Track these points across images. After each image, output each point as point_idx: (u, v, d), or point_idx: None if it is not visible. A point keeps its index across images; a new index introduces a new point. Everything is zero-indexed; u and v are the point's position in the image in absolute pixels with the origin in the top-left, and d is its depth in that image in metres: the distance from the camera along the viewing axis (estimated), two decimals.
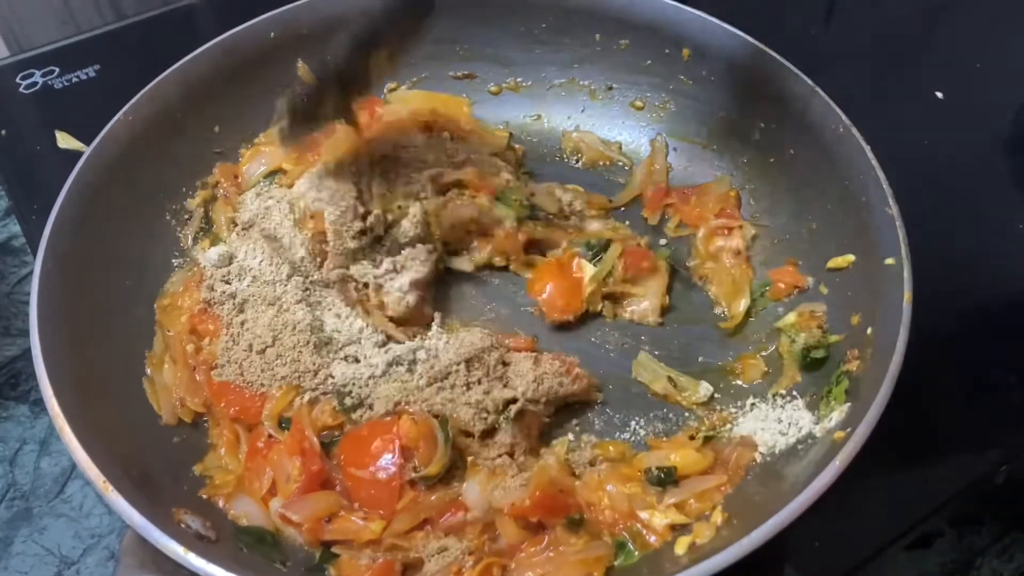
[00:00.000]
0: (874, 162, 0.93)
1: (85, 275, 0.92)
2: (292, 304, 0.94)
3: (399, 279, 0.97)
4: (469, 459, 0.85)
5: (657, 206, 1.10)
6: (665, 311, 1.02)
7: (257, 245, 1.00)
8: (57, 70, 1.27)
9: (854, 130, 0.96)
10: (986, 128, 1.28)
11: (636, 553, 0.81)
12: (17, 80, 1.26)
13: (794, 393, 0.92)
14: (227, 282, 0.98)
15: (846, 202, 0.96)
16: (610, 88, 1.19)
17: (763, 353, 0.97)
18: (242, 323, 0.94)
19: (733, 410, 0.93)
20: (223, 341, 0.93)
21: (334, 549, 0.82)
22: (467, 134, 1.10)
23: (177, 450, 0.89)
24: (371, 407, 0.88)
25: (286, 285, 0.96)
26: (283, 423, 0.89)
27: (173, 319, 0.97)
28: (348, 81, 0.95)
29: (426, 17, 0.96)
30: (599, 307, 1.01)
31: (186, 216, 1.06)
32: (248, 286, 0.96)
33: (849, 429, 0.76)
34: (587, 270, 1.01)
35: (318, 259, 1.00)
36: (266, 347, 0.92)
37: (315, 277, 0.99)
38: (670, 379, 0.95)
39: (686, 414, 0.94)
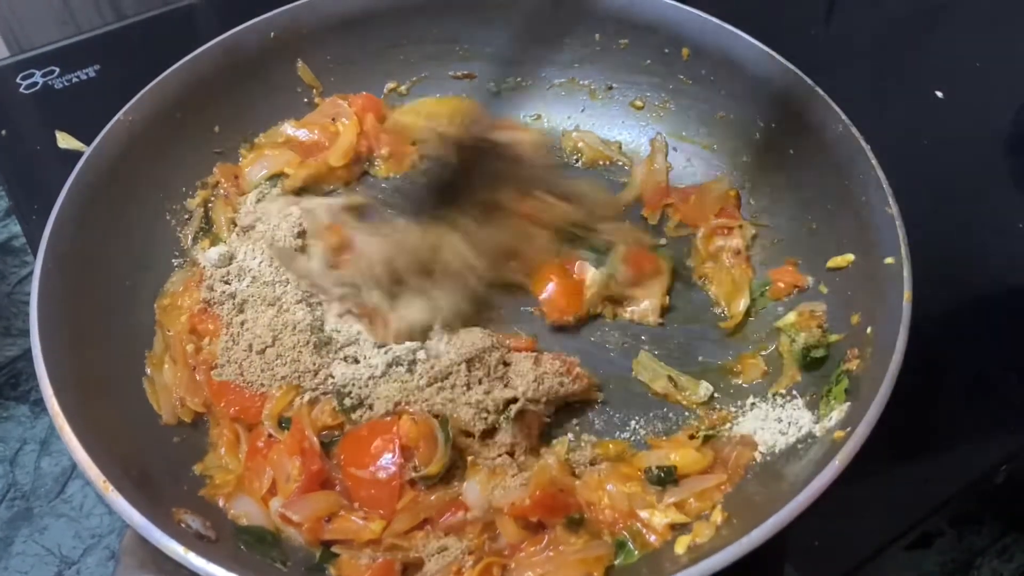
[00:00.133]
0: (874, 161, 0.93)
1: (85, 275, 0.91)
2: (292, 304, 0.94)
3: (410, 315, 0.96)
4: (469, 459, 0.85)
5: (657, 206, 1.10)
6: (665, 311, 1.02)
7: (257, 245, 1.00)
8: (57, 70, 1.27)
9: (854, 129, 0.96)
10: (986, 128, 1.27)
11: (636, 552, 0.81)
12: (17, 80, 1.26)
13: (794, 392, 0.92)
14: (227, 282, 0.98)
15: (846, 201, 0.96)
16: (610, 88, 1.19)
17: (763, 352, 0.97)
18: (242, 323, 0.94)
19: (733, 409, 0.93)
20: (223, 341, 0.93)
21: (334, 549, 0.82)
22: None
23: (177, 450, 0.89)
24: (371, 407, 0.88)
25: (286, 286, 0.96)
26: (283, 423, 0.89)
27: (173, 319, 0.97)
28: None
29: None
30: (599, 309, 1.02)
31: (186, 216, 1.06)
32: (248, 286, 0.96)
33: (849, 428, 0.76)
34: (589, 274, 1.01)
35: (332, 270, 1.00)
36: (266, 347, 0.92)
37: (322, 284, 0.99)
38: (670, 378, 0.95)
39: (686, 413, 0.94)
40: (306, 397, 0.89)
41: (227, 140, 1.11)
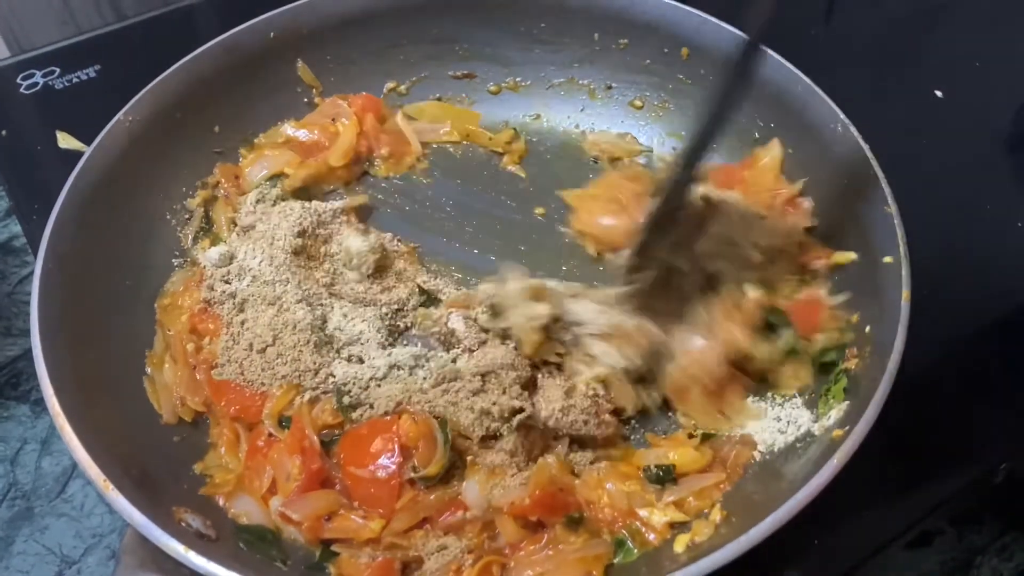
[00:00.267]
0: (873, 161, 0.93)
1: (86, 275, 0.92)
2: (292, 304, 0.94)
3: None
4: (469, 458, 0.85)
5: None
6: None
7: (257, 245, 1.00)
8: (58, 70, 1.27)
9: (852, 129, 0.96)
10: (986, 127, 1.27)
11: (635, 551, 0.81)
12: (18, 80, 1.26)
13: (793, 392, 0.92)
14: (227, 282, 0.98)
15: (845, 200, 0.96)
16: (609, 87, 1.19)
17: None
18: (242, 322, 0.94)
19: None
20: (223, 340, 0.93)
21: (334, 547, 0.82)
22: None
23: (177, 449, 0.89)
24: (371, 406, 0.88)
25: (286, 285, 0.96)
26: (283, 422, 0.89)
27: (173, 318, 0.97)
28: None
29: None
30: None
31: (186, 216, 1.06)
32: (248, 285, 0.97)
33: (848, 427, 0.76)
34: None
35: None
36: (266, 346, 0.92)
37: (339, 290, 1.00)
38: None
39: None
40: (306, 396, 0.89)
41: (227, 140, 1.12)
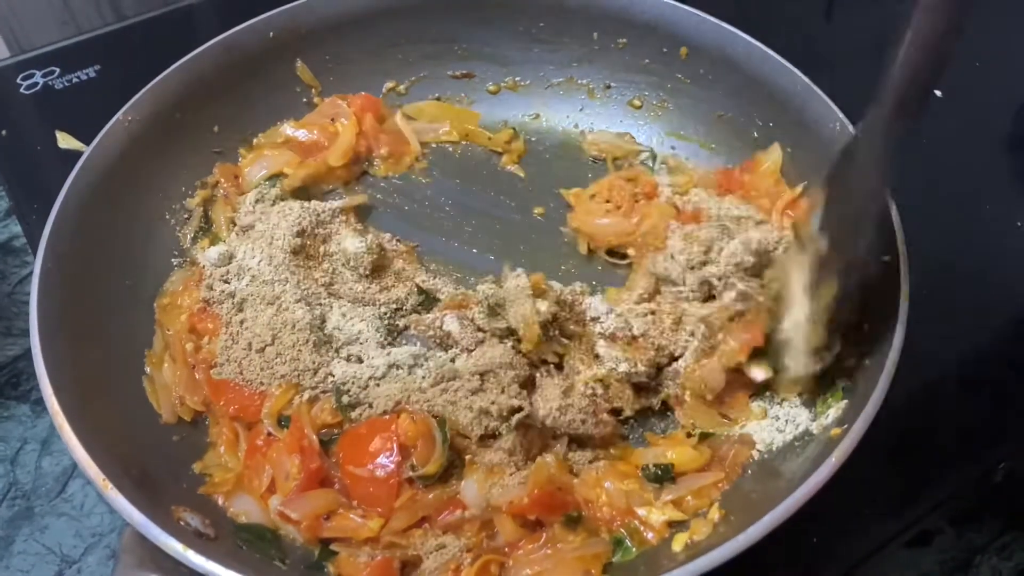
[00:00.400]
0: None
1: (85, 275, 0.92)
2: (291, 303, 0.94)
3: None
4: (467, 458, 0.85)
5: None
6: None
7: (256, 245, 1.01)
8: (58, 70, 1.27)
9: (852, 128, 0.96)
10: (986, 126, 1.27)
11: (634, 550, 0.81)
12: (18, 81, 1.26)
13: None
14: (226, 281, 0.98)
15: (844, 199, 0.96)
16: (608, 87, 1.19)
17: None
18: (241, 322, 0.94)
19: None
20: (222, 340, 0.93)
21: (333, 546, 0.82)
22: None
23: (177, 448, 0.89)
24: (370, 405, 0.88)
25: (285, 284, 0.96)
26: (282, 421, 0.89)
27: (173, 318, 0.97)
28: None
29: None
30: None
31: (185, 216, 1.06)
32: (247, 285, 0.97)
33: (846, 426, 0.76)
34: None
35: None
36: (265, 345, 0.92)
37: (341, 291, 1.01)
38: None
39: None
40: (305, 395, 0.90)
41: (226, 140, 1.12)
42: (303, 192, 1.10)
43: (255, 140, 1.14)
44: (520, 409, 0.85)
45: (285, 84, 1.16)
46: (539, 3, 1.15)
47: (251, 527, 0.83)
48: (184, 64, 1.05)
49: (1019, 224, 1.15)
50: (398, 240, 1.08)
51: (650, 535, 0.81)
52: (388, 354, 0.93)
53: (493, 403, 0.85)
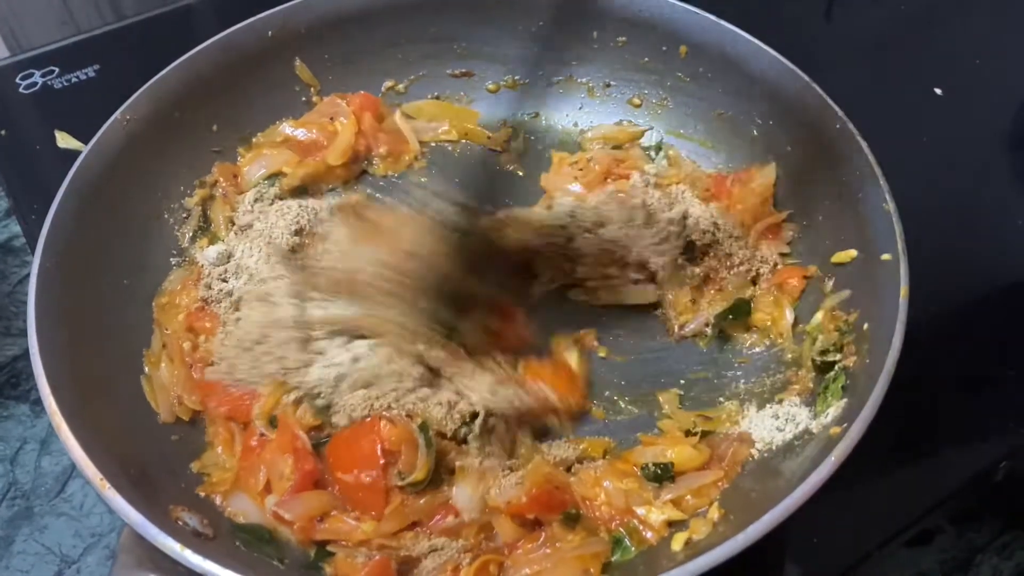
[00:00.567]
0: (871, 158, 0.93)
1: (83, 274, 0.92)
2: (282, 299, 0.93)
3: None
4: (457, 464, 0.84)
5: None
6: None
7: (255, 243, 1.00)
8: (57, 70, 1.27)
9: (851, 126, 0.96)
10: (986, 125, 1.27)
11: (633, 549, 0.81)
12: (17, 80, 1.26)
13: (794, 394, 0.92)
14: (224, 280, 0.98)
15: (844, 198, 0.96)
16: (608, 85, 1.19)
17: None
18: (236, 320, 0.94)
19: (732, 407, 0.93)
20: (219, 339, 0.93)
21: (329, 547, 0.82)
22: None
23: (175, 448, 0.89)
24: (344, 406, 0.87)
25: (278, 281, 0.95)
26: (273, 421, 0.88)
27: (171, 317, 0.97)
28: None
29: None
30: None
31: (184, 215, 1.06)
32: (245, 284, 0.96)
33: (845, 425, 0.76)
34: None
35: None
36: (255, 344, 0.91)
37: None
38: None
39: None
40: (291, 397, 0.88)
41: (225, 139, 1.11)
42: (302, 191, 1.10)
43: (254, 139, 1.14)
44: (477, 415, 0.85)
45: (284, 83, 1.15)
46: (538, 2, 1.15)
47: (249, 527, 0.82)
48: (183, 63, 1.05)
49: (1020, 223, 1.15)
50: None
51: (649, 534, 0.81)
52: (348, 349, 0.91)
53: (453, 406, 0.86)
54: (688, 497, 0.83)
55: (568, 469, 0.87)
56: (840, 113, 0.97)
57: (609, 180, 1.10)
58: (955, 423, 0.98)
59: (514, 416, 0.89)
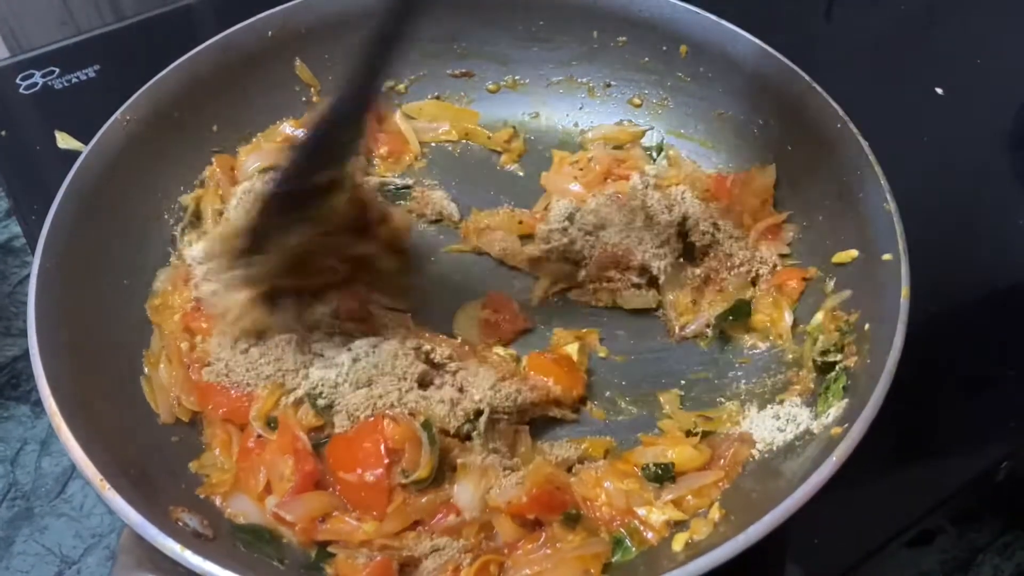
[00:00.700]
0: (872, 158, 0.93)
1: (83, 274, 0.91)
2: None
3: None
4: (459, 462, 0.84)
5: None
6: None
7: None
8: (57, 71, 1.27)
9: (852, 126, 0.96)
10: (987, 125, 1.27)
11: (633, 550, 0.81)
12: (17, 81, 1.26)
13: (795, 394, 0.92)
14: (209, 280, 0.96)
15: (844, 198, 0.96)
16: (608, 85, 1.19)
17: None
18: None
19: (733, 408, 0.93)
20: (215, 339, 0.92)
21: (330, 548, 0.82)
22: None
23: (175, 449, 0.89)
24: (347, 406, 0.87)
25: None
26: (271, 423, 0.87)
27: (166, 318, 0.96)
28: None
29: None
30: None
31: (182, 214, 1.06)
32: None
33: (846, 425, 0.76)
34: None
35: None
36: (251, 345, 0.91)
37: None
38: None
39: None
40: (291, 398, 0.88)
41: (225, 139, 1.11)
42: None
43: (254, 140, 1.13)
44: (481, 412, 0.85)
45: (284, 83, 1.15)
46: (539, 1, 1.15)
47: (249, 527, 0.82)
48: (183, 63, 1.05)
49: (1020, 223, 1.15)
50: None
51: (650, 535, 0.81)
52: (349, 349, 0.91)
53: (456, 404, 0.86)
54: (689, 497, 0.83)
55: (569, 469, 0.87)
56: (841, 113, 0.97)
57: (609, 180, 1.10)
58: (956, 423, 0.98)
59: (517, 411, 0.89)
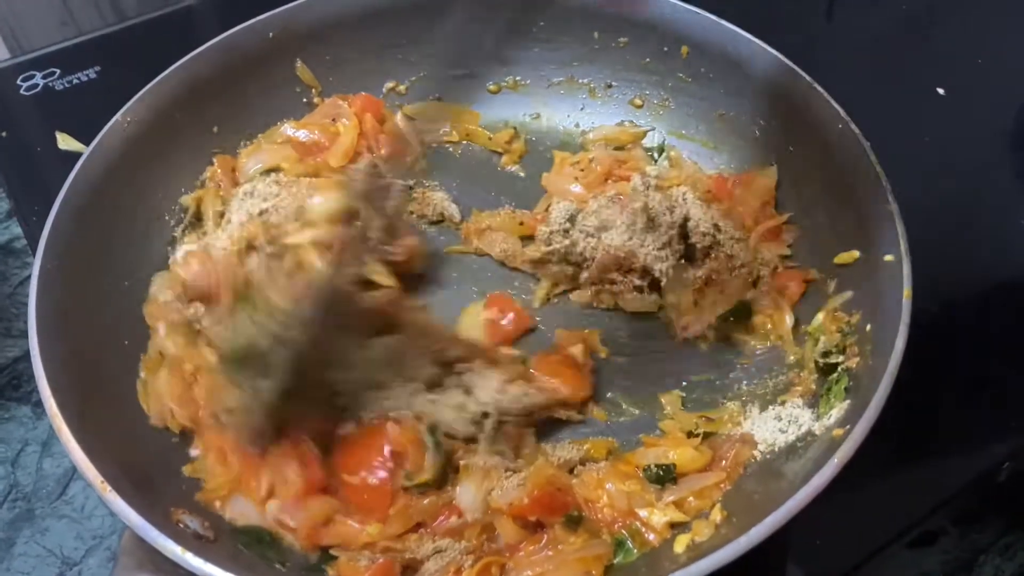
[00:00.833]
0: (873, 158, 0.93)
1: (84, 276, 0.91)
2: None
3: None
4: (462, 463, 0.84)
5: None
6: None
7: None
8: (58, 72, 1.27)
9: (853, 126, 0.96)
10: (988, 125, 1.27)
11: (635, 551, 0.80)
12: (18, 82, 1.26)
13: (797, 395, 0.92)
14: None
15: (846, 199, 0.96)
16: (609, 86, 1.19)
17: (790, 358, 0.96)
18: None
19: (734, 409, 0.93)
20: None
21: (332, 551, 0.82)
22: None
23: (176, 450, 0.88)
24: (354, 409, 0.87)
25: None
26: None
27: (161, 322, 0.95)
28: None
29: None
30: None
31: (183, 215, 1.06)
32: None
33: (848, 426, 0.76)
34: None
35: None
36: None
37: None
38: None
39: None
40: None
41: (226, 140, 1.11)
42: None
43: (255, 140, 1.13)
44: (488, 415, 0.85)
45: (285, 84, 1.15)
46: (539, 2, 1.15)
47: (250, 530, 0.82)
48: (183, 65, 1.05)
49: (1022, 223, 1.15)
50: None
51: (651, 536, 0.81)
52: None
53: (461, 408, 0.86)
54: (690, 499, 0.82)
55: (570, 471, 0.87)
56: (842, 113, 0.97)
57: (610, 181, 1.10)
58: (957, 424, 0.98)
59: (523, 413, 0.89)
